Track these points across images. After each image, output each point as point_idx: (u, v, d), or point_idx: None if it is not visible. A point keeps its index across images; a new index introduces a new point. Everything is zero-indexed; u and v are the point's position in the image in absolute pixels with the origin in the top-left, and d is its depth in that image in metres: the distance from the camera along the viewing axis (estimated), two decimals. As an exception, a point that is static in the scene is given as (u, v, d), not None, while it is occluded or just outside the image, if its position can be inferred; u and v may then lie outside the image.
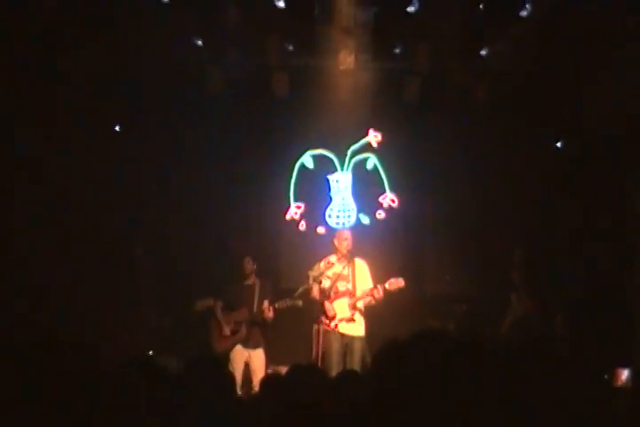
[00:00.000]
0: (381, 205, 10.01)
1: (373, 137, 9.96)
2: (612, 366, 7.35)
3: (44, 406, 2.69)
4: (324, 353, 7.95)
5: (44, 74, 8.52)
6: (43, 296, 8.25)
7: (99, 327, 8.21)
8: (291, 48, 9.49)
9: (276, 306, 8.51)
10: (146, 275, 9.52)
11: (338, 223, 9.92)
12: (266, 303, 8.60)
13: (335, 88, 9.84)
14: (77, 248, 8.88)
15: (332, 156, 10.13)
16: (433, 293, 9.94)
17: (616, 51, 8.29)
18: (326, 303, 8.12)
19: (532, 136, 9.64)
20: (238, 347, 8.52)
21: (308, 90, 9.75)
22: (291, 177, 10.11)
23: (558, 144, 10.00)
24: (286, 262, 9.99)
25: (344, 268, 8.28)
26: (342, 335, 8.05)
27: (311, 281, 8.18)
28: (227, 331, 8.63)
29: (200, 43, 9.24)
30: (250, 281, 8.84)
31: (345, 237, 8.42)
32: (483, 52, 9.24)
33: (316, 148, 10.11)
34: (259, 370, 8.40)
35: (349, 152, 10.09)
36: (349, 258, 8.32)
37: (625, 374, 7.26)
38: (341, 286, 8.21)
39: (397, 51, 9.45)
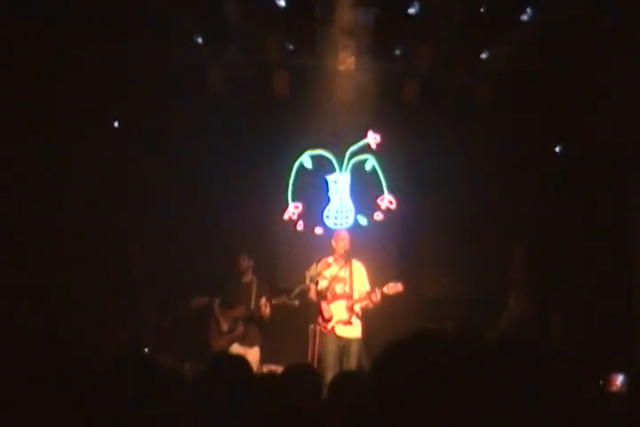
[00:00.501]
0: (379, 206, 10.01)
1: (372, 138, 9.97)
2: (609, 371, 7.35)
3: (42, 405, 2.69)
4: (320, 354, 7.95)
5: (43, 70, 8.51)
6: (40, 295, 8.25)
7: (95, 325, 8.21)
8: (291, 47, 9.47)
9: (273, 302, 8.52)
10: (143, 273, 9.51)
11: (336, 224, 9.92)
12: (263, 300, 8.60)
13: (335, 89, 9.86)
14: (75, 246, 8.87)
15: (330, 156, 10.13)
16: (430, 294, 9.94)
17: (617, 54, 8.30)
18: (323, 304, 8.11)
19: (532, 138, 9.64)
20: (235, 345, 8.54)
21: (308, 90, 9.76)
22: (289, 177, 10.10)
23: (557, 148, 10.00)
24: (284, 262, 9.99)
25: (341, 269, 8.28)
26: (339, 337, 8.05)
27: (308, 281, 8.17)
28: (224, 328, 8.65)
29: (200, 40, 9.23)
30: (247, 279, 8.86)
31: (342, 238, 8.42)
32: (483, 55, 9.23)
33: (315, 148, 10.12)
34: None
35: (348, 153, 10.09)
36: (347, 259, 8.32)
37: (620, 380, 7.25)
38: (338, 287, 8.21)
39: (398, 52, 9.42)
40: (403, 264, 9.89)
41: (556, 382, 2.54)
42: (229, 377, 3.57)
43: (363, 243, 8.93)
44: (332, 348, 7.96)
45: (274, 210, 10.07)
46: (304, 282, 8.21)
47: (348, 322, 8.09)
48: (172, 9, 8.50)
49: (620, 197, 9.19)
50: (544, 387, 2.47)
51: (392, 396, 2.03)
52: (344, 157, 10.08)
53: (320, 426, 3.50)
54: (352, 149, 10.07)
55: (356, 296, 8.16)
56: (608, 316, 8.74)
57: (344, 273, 8.27)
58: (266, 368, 8.50)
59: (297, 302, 8.38)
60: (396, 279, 8.23)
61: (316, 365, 7.64)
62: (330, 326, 8.04)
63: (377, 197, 10.02)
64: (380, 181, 10.08)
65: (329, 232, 9.41)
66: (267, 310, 8.54)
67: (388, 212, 10.01)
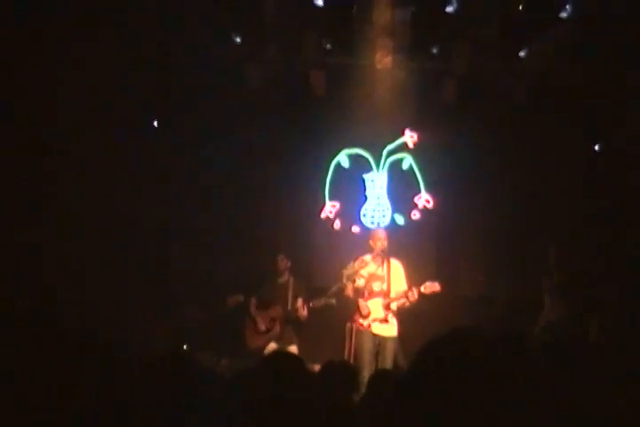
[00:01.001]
0: (416, 205, 10.00)
1: (409, 137, 9.95)
2: None
3: (81, 404, 2.73)
4: (356, 352, 7.95)
5: (87, 70, 8.60)
6: (80, 295, 8.33)
7: (133, 324, 8.28)
8: (328, 46, 9.50)
9: (311, 305, 8.53)
10: (181, 271, 9.59)
11: (373, 223, 9.93)
12: (300, 301, 8.63)
13: (372, 87, 9.86)
14: (114, 245, 8.95)
15: (367, 155, 10.14)
16: (467, 294, 9.90)
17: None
18: (361, 302, 8.12)
19: (571, 138, 9.57)
20: (272, 344, 8.56)
21: (345, 89, 9.77)
22: (326, 176, 10.12)
23: (596, 147, 9.91)
24: (320, 261, 10.00)
25: (379, 267, 8.28)
26: (375, 335, 8.04)
27: (345, 280, 8.17)
28: (261, 328, 8.67)
29: (239, 40, 9.29)
30: (283, 279, 8.87)
31: (380, 237, 8.41)
32: (522, 54, 9.19)
33: (352, 147, 10.12)
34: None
35: (385, 152, 10.09)
36: (384, 258, 8.32)
37: None
38: (376, 286, 8.20)
39: (435, 51, 9.42)
40: (440, 263, 9.87)
41: (594, 382, 2.54)
42: (283, 376, 3.60)
43: (400, 242, 8.92)
44: (368, 346, 7.96)
45: (311, 209, 10.09)
46: (341, 281, 8.21)
47: (385, 320, 8.09)
48: (211, 8, 8.57)
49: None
50: (581, 387, 2.48)
51: (429, 394, 2.04)
52: (381, 156, 10.08)
53: (357, 423, 3.52)
54: (389, 147, 10.06)
55: (393, 295, 8.16)
56: None
57: (381, 271, 8.27)
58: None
59: (334, 301, 8.39)
60: (432, 278, 8.21)
61: (352, 362, 7.65)
62: (366, 323, 8.04)
63: (414, 196, 10.00)
64: (417, 180, 10.06)
65: (366, 231, 9.41)
66: (304, 312, 8.56)
67: (425, 211, 9.99)
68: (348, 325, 8.11)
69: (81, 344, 2.92)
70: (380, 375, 4.72)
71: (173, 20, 8.58)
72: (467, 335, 2.06)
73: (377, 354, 8.01)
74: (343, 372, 4.63)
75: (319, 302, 8.48)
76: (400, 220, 9.99)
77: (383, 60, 9.66)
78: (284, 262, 8.90)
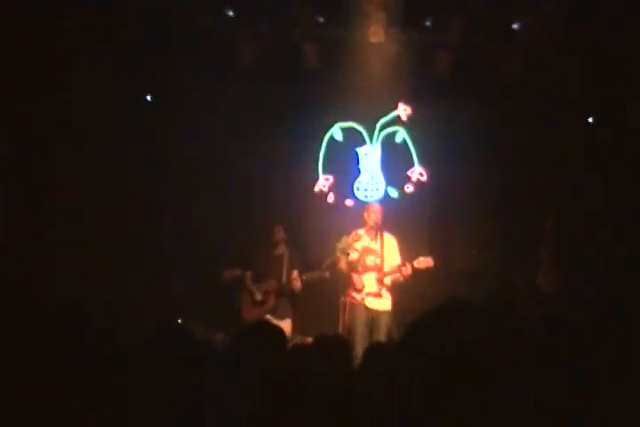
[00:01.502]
0: (410, 178, 10.01)
1: (403, 110, 9.93)
2: None
3: (79, 377, 2.75)
4: (350, 325, 8.00)
5: (74, 43, 8.56)
6: (71, 268, 8.33)
7: (127, 298, 8.31)
8: (321, 19, 9.46)
9: (305, 277, 8.56)
10: (174, 244, 9.60)
11: (366, 196, 9.93)
12: (295, 274, 8.65)
13: (365, 61, 9.81)
14: (105, 219, 8.96)
15: (361, 128, 10.12)
16: (460, 267, 9.91)
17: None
18: (354, 276, 8.15)
19: (564, 110, 9.57)
20: (267, 317, 8.58)
21: (339, 62, 9.73)
22: (320, 149, 10.12)
23: (590, 120, 9.90)
24: (314, 234, 10.00)
25: (372, 241, 8.31)
26: (368, 309, 8.08)
27: (339, 253, 8.20)
28: (257, 300, 8.70)
29: (231, 13, 9.24)
30: (279, 251, 8.89)
31: (374, 211, 8.44)
32: (514, 26, 9.16)
33: (346, 120, 10.11)
34: (285, 340, 8.46)
35: (378, 125, 10.07)
36: (378, 232, 8.34)
37: None
38: (369, 260, 8.23)
39: (428, 24, 9.39)
40: (433, 236, 9.88)
41: (586, 353, 2.56)
42: (262, 347, 3.62)
43: (394, 215, 8.94)
44: (361, 319, 8.01)
45: (304, 182, 10.09)
46: (334, 254, 8.24)
47: (378, 294, 8.13)
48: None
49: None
50: (574, 357, 2.50)
51: (422, 366, 2.07)
52: (374, 130, 10.07)
53: (351, 396, 3.55)
54: (382, 121, 10.04)
55: (386, 269, 8.19)
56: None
57: (375, 245, 8.30)
58: (298, 340, 8.59)
59: (327, 274, 8.42)
60: (426, 252, 8.24)
61: (346, 336, 7.70)
62: (360, 297, 8.08)
63: (407, 170, 10.01)
64: (411, 154, 10.06)
65: (359, 205, 9.43)
66: (298, 285, 8.58)
67: (418, 184, 9.99)
68: (342, 299, 8.16)
69: (66, 317, 2.94)
70: (374, 349, 4.75)
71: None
72: (457, 308, 2.09)
73: (371, 328, 8.06)
74: (336, 345, 4.67)
75: (313, 275, 8.51)
76: (393, 193, 10.00)
77: (377, 34, 9.61)
78: (280, 234, 8.91)
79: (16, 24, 7.90)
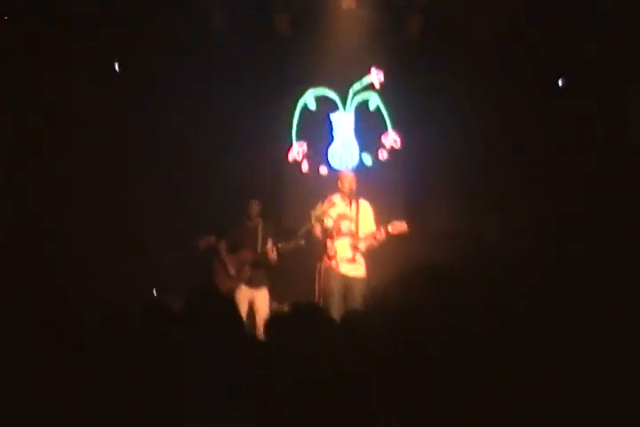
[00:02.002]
0: (384, 144, 9.99)
1: (376, 75, 9.90)
2: None
3: (53, 353, 2.74)
4: (325, 292, 8.00)
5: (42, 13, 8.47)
6: (41, 240, 8.29)
7: (100, 269, 8.27)
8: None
9: (280, 247, 8.54)
10: (148, 214, 9.58)
11: (340, 163, 9.92)
12: (269, 243, 8.63)
13: (337, 27, 9.78)
14: (78, 190, 8.91)
15: (334, 95, 10.08)
16: (435, 231, 9.92)
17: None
18: (328, 242, 8.14)
19: (535, 73, 9.55)
20: (242, 287, 8.57)
21: (310, 30, 9.70)
22: (293, 117, 10.07)
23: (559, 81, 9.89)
24: (289, 203, 10.01)
25: (347, 208, 8.30)
26: (343, 276, 8.09)
27: (313, 221, 8.18)
28: (231, 271, 8.66)
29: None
30: (253, 222, 8.84)
31: (348, 177, 8.41)
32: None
33: (318, 87, 10.06)
34: (262, 309, 8.47)
35: (352, 91, 10.04)
36: (352, 198, 8.32)
37: None
38: (344, 226, 8.22)
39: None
40: (408, 202, 9.89)
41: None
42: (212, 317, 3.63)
43: (368, 182, 8.92)
44: (336, 286, 8.00)
45: (278, 151, 10.06)
46: (310, 222, 8.22)
47: (353, 260, 8.12)
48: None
49: (621, 124, 9.13)
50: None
51: (394, 331, 2.07)
52: (347, 96, 10.04)
53: (329, 361, 3.56)
54: (355, 86, 10.01)
55: (361, 235, 8.19)
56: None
57: (350, 212, 8.28)
58: (274, 307, 8.61)
59: (303, 242, 8.40)
60: (401, 217, 8.23)
61: (321, 303, 7.72)
62: (334, 263, 8.08)
63: (381, 136, 10.00)
64: (384, 119, 10.04)
65: (334, 172, 9.40)
66: (273, 255, 8.56)
67: (392, 150, 9.99)
68: (317, 265, 8.15)
69: (48, 291, 2.92)
70: (349, 315, 4.75)
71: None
72: (422, 274, 2.09)
73: (345, 294, 8.06)
74: (311, 312, 4.66)
75: (288, 245, 8.48)
76: (368, 160, 9.99)
77: (347, 0, 9.58)
78: (256, 207, 8.84)
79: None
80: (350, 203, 8.30)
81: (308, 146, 10.00)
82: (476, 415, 2.09)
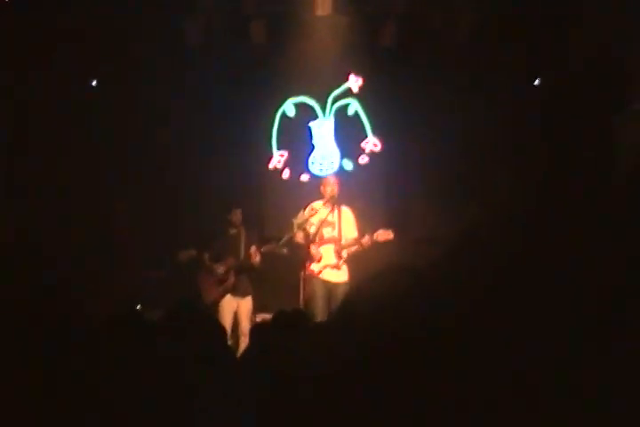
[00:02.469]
0: (364, 150, 10.02)
1: (354, 82, 9.92)
2: None
3: (36, 366, 2.74)
4: (308, 299, 8.00)
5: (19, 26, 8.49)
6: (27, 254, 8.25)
7: (83, 284, 8.23)
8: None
9: (262, 250, 8.52)
10: (129, 229, 9.55)
11: (321, 170, 9.93)
12: (253, 248, 8.60)
13: (313, 34, 9.81)
14: (60, 204, 8.90)
15: (313, 102, 10.10)
16: (417, 237, 9.92)
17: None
18: (312, 247, 8.15)
19: (512, 75, 9.59)
20: (228, 297, 8.54)
21: (286, 37, 9.73)
22: (273, 126, 10.08)
23: (536, 81, 9.93)
24: (271, 211, 10.00)
25: (329, 214, 8.30)
26: (326, 282, 8.09)
27: (295, 229, 8.19)
28: (215, 280, 8.64)
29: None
30: (236, 231, 8.83)
31: (330, 183, 8.41)
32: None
33: (297, 95, 10.08)
34: (245, 318, 8.45)
35: (330, 98, 10.06)
36: (334, 204, 8.34)
37: None
38: (326, 232, 8.24)
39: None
40: (390, 206, 9.91)
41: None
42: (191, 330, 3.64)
43: (349, 187, 8.93)
44: (319, 292, 8.00)
45: (259, 160, 10.06)
46: (292, 230, 8.23)
47: (336, 266, 8.14)
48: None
49: (602, 126, 9.18)
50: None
51: (366, 335, 2.09)
52: (326, 103, 10.06)
53: (310, 367, 3.58)
54: (334, 93, 10.04)
55: (343, 241, 8.21)
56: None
57: (332, 218, 8.29)
58: (259, 317, 8.59)
59: (285, 250, 8.41)
60: (383, 222, 8.26)
61: (305, 310, 7.71)
62: (317, 269, 8.09)
63: (361, 142, 10.02)
64: (364, 125, 10.06)
65: (315, 180, 9.41)
66: (257, 259, 8.55)
67: (372, 155, 10.02)
68: (301, 273, 8.16)
69: (32, 304, 2.92)
70: (332, 322, 4.76)
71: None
72: (397, 274, 2.11)
73: (329, 301, 8.07)
74: (295, 319, 4.68)
75: (271, 247, 8.48)
76: (348, 165, 10.01)
77: (322, 6, 9.61)
78: (238, 215, 8.83)
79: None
80: (332, 209, 8.31)
81: (289, 154, 10.01)
82: (462, 416, 2.11)
